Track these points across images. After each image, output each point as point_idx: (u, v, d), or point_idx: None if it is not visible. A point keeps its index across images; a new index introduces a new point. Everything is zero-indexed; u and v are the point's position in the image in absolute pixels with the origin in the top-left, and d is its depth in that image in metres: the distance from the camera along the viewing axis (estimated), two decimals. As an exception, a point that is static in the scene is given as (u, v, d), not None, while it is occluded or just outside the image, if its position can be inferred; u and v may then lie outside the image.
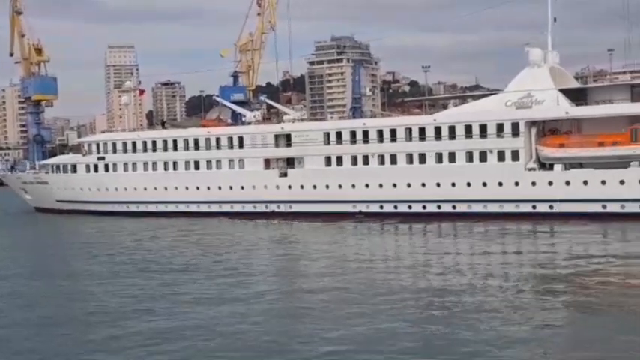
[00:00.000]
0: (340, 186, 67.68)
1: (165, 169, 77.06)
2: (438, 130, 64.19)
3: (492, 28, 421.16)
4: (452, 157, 63.17)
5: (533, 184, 59.48)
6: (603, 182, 56.52)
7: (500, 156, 61.17)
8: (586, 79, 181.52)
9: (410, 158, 65.21)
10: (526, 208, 59.17)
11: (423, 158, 64.59)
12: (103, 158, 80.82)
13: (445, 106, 76.01)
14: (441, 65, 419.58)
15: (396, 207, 64.96)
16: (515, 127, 60.77)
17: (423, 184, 63.94)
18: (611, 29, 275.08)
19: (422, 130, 65.06)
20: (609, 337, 25.26)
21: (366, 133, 67.75)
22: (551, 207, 58.39)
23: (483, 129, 62.06)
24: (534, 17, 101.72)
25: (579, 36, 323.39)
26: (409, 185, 64.55)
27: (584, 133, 60.45)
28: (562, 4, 65.17)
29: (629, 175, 55.78)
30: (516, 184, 60.03)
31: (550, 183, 58.82)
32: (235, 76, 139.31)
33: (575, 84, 70.98)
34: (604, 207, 56.24)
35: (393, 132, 66.46)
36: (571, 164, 58.83)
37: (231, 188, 72.96)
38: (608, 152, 56.94)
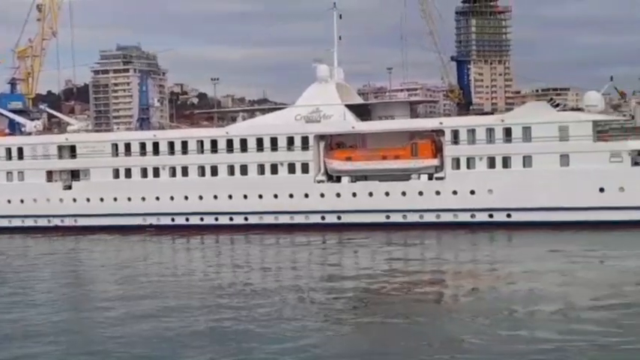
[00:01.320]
0: (129, 199, 65.81)
1: None
2: (230, 142, 64.45)
3: (280, 43, 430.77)
4: (244, 170, 63.68)
5: (322, 195, 61.39)
6: (387, 194, 59.52)
7: (291, 168, 62.56)
8: (367, 96, 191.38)
9: (202, 170, 64.91)
10: (316, 219, 60.90)
11: (215, 170, 64.53)
12: None
13: (234, 119, 76.64)
14: (230, 78, 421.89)
15: (187, 219, 64.30)
16: (305, 140, 62.44)
17: (215, 197, 63.82)
18: (390, 49, 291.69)
19: (214, 143, 65.01)
20: (394, 342, 26.69)
21: (156, 145, 66.54)
22: (339, 217, 60.54)
23: (274, 142, 63.18)
24: (320, 34, 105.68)
25: (361, 54, 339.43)
26: (201, 197, 64.15)
27: (368, 147, 63.34)
28: (345, 22, 68.17)
29: (410, 187, 59.21)
30: (306, 195, 61.62)
31: (338, 195, 61.00)
32: (13, 83, 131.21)
33: (359, 100, 74.38)
34: (388, 217, 59.22)
35: (185, 144, 65.85)
36: (357, 177, 61.40)
37: (9, 202, 68.49)
38: (391, 165, 60.11)
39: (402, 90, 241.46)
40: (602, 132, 58.58)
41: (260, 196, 62.77)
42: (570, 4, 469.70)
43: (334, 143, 64.36)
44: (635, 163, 55.80)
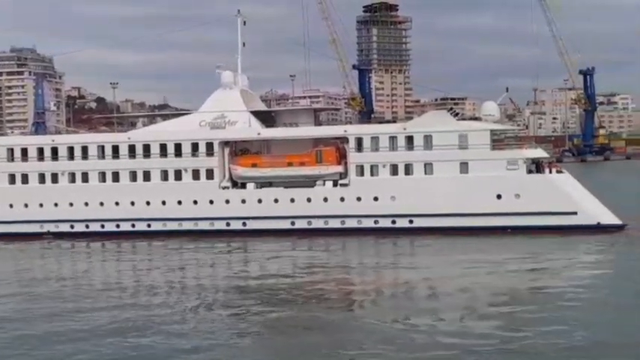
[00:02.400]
0: (26, 205, 63.69)
1: None
2: (132, 148, 63.34)
3: (181, 48, 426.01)
4: (146, 176, 62.68)
5: (227, 201, 61.11)
6: (292, 200, 59.83)
7: (195, 175, 62.01)
8: (270, 103, 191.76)
9: (103, 176, 63.53)
10: (221, 225, 60.55)
11: (116, 176, 63.27)
12: None
13: (134, 124, 75.42)
14: (129, 82, 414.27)
15: (87, 226, 62.79)
16: (209, 146, 62.05)
17: (117, 203, 62.55)
18: (293, 56, 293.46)
19: (115, 148, 63.73)
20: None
21: (55, 150, 64.72)
22: (244, 224, 60.41)
23: (178, 148, 62.51)
24: (222, 39, 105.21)
25: (264, 61, 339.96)
26: (102, 204, 62.75)
27: (273, 153, 63.52)
28: (248, 29, 68.24)
29: (315, 193, 59.74)
30: (211, 202, 61.20)
31: (243, 201, 60.87)
32: None
33: (262, 106, 74.50)
34: (293, 223, 59.51)
35: (85, 149, 64.30)
36: (262, 183, 61.45)
37: None
38: (297, 172, 60.50)
39: (304, 97, 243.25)
40: (497, 141, 60.75)
41: (163, 203, 61.92)
42: (468, 16, 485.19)
43: (238, 150, 64.21)
44: (529, 171, 58.13)
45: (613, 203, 59.59)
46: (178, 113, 73.07)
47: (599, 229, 55.04)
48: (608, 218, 56.06)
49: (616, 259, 47.06)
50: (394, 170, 59.07)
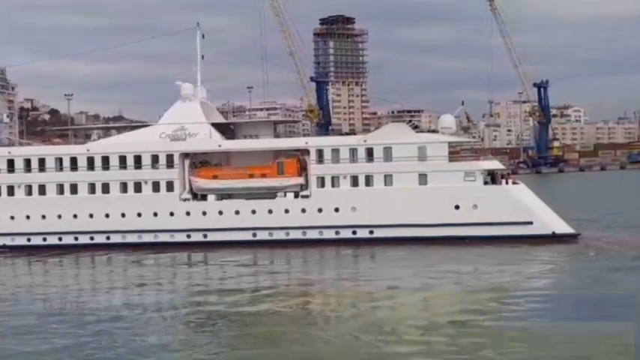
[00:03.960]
0: None
1: None
2: (91, 160, 62.89)
3: (136, 59, 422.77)
4: (105, 188, 62.24)
5: (188, 213, 60.99)
6: (254, 211, 59.95)
7: (155, 187, 61.78)
8: (227, 114, 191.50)
9: (61, 189, 62.88)
10: (181, 237, 60.38)
11: (74, 189, 62.68)
12: None
13: (89, 136, 74.86)
14: (83, 94, 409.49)
15: (45, 239, 62.11)
16: (170, 158, 61.93)
17: (75, 215, 61.98)
18: (250, 68, 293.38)
19: (74, 160, 63.21)
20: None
21: (11, 162, 63.95)
22: (205, 236, 60.31)
23: (138, 160, 62.26)
24: (177, 51, 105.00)
25: (221, 72, 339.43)
26: (60, 216, 62.11)
27: (233, 165, 63.62)
28: (206, 40, 68.47)
29: (277, 205, 59.97)
30: (171, 214, 61.01)
31: (204, 213, 60.80)
32: None
33: (221, 118, 74.57)
34: (254, 235, 59.64)
35: (42, 161, 63.63)
36: (223, 195, 61.47)
37: None
38: (258, 183, 60.69)
39: (261, 109, 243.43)
40: (454, 153, 61.81)
41: (123, 215, 61.53)
42: (424, 29, 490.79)
43: (198, 162, 64.16)
44: (485, 183, 59.23)
45: (567, 213, 61.25)
46: (135, 125, 72.74)
47: (554, 238, 56.34)
48: (563, 228, 57.40)
49: (571, 267, 48.18)
50: (355, 182, 59.65)
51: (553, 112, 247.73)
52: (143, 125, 69.28)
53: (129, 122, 76.17)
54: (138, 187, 62.00)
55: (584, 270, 45.32)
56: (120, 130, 71.45)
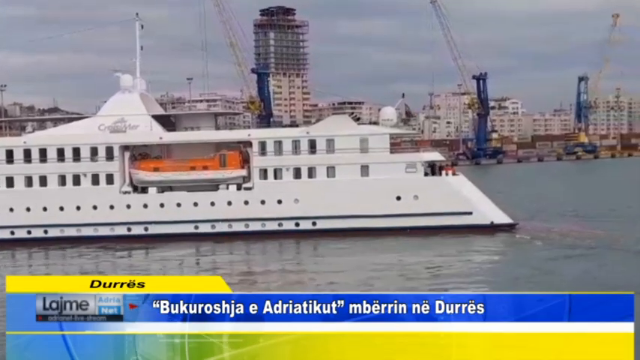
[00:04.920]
0: None
1: None
2: (27, 152, 61.56)
3: (72, 51, 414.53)
4: (43, 181, 61.04)
5: (129, 206, 60.27)
6: (195, 204, 59.59)
7: (95, 179, 60.87)
8: (166, 106, 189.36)
9: (-4, 182, 61.40)
10: (122, 230, 59.66)
11: (10, 182, 61.29)
12: None
13: (23, 128, 73.28)
14: (17, 85, 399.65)
15: (-20, 234, 60.58)
16: (109, 150, 61.05)
17: (12, 209, 60.64)
18: (189, 59, 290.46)
19: (9, 153, 61.78)
20: None
21: (-56, 155, 62.10)
22: (146, 229, 59.71)
23: (77, 152, 61.23)
24: (114, 42, 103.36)
25: (159, 64, 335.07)
26: (-5, 210, 60.67)
27: (174, 157, 63.05)
28: (146, 32, 67.78)
29: (219, 197, 59.74)
30: (111, 207, 60.21)
31: (145, 205, 60.17)
32: None
33: (161, 110, 73.77)
34: (197, 227, 59.29)
35: (-24, 154, 62.01)
36: (164, 187, 60.92)
37: None
38: (200, 176, 60.30)
39: (201, 101, 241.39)
40: (394, 144, 62.44)
41: (61, 208, 60.46)
42: (365, 22, 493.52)
43: (138, 154, 63.41)
44: (425, 174, 60.10)
45: (505, 204, 62.68)
46: (72, 117, 71.46)
47: (492, 228, 57.59)
48: (501, 218, 58.69)
49: (509, 255, 49.35)
50: (297, 173, 59.79)
51: (491, 104, 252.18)
52: (80, 117, 68.09)
53: (64, 114, 74.50)
54: (77, 180, 60.99)
55: (523, 259, 46.44)
56: (56, 122, 70.16)
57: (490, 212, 58.71)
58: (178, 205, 59.80)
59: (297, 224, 58.88)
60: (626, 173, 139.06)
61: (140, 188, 61.29)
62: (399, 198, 58.56)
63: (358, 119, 65.29)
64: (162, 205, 60.05)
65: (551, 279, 38.55)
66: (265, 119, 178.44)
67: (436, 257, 48.02)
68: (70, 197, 60.47)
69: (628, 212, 67.78)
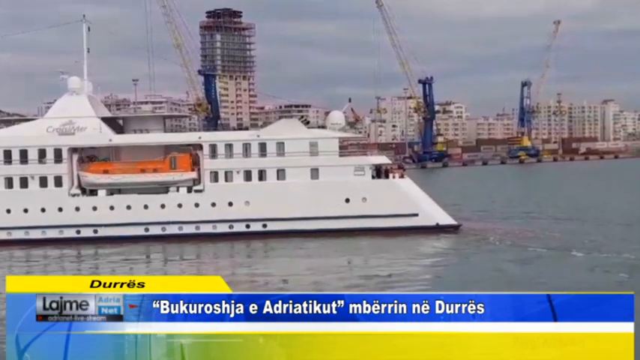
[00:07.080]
0: None
1: None
2: (-28, 154, 60.79)
3: (10, 51, 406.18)
4: (-10, 183, 60.35)
5: (78, 209, 60.05)
6: (146, 206, 59.67)
7: (43, 182, 60.47)
8: (110, 107, 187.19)
9: (-59, 184, 60.45)
10: (70, 233, 59.38)
11: (-44, 184, 60.40)
12: None
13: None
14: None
15: None
16: (58, 153, 60.72)
17: (-43, 212, 59.78)
18: (135, 60, 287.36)
19: (-46, 155, 60.90)
20: None
21: None
22: (95, 231, 59.55)
23: (24, 154, 60.72)
24: (54, 43, 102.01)
25: (104, 65, 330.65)
26: (-61, 214, 59.74)
27: (123, 160, 62.98)
28: (95, 33, 67.63)
29: (169, 200, 59.96)
30: (60, 209, 59.90)
31: (94, 208, 60.02)
32: None
33: (108, 112, 73.35)
34: (147, 230, 59.36)
35: None
36: (113, 190, 60.84)
37: None
38: (150, 178, 60.42)
39: (146, 102, 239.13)
40: (342, 148, 63.55)
41: (8, 211, 59.89)
42: (311, 25, 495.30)
43: (86, 156, 63.17)
44: (372, 177, 61.37)
45: (449, 206, 64.45)
46: (15, 119, 70.51)
47: (437, 229, 59.14)
48: (446, 219, 60.34)
49: (453, 256, 50.82)
50: (248, 176, 60.40)
51: (436, 108, 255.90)
52: (24, 119, 67.36)
53: (5, 115, 73.10)
54: (24, 183, 60.50)
55: (466, 257, 48.03)
56: (-1, 123, 69.13)
57: (435, 214, 60.27)
58: (128, 207, 59.81)
59: (247, 226, 59.47)
60: (566, 176, 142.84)
61: (89, 191, 61.13)
62: (347, 200, 59.66)
63: (308, 123, 66.28)
64: (112, 208, 59.99)
65: (499, 276, 40.10)
66: (212, 122, 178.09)
67: (384, 259, 49.12)
68: (18, 200, 59.95)
69: (569, 212, 70.38)
